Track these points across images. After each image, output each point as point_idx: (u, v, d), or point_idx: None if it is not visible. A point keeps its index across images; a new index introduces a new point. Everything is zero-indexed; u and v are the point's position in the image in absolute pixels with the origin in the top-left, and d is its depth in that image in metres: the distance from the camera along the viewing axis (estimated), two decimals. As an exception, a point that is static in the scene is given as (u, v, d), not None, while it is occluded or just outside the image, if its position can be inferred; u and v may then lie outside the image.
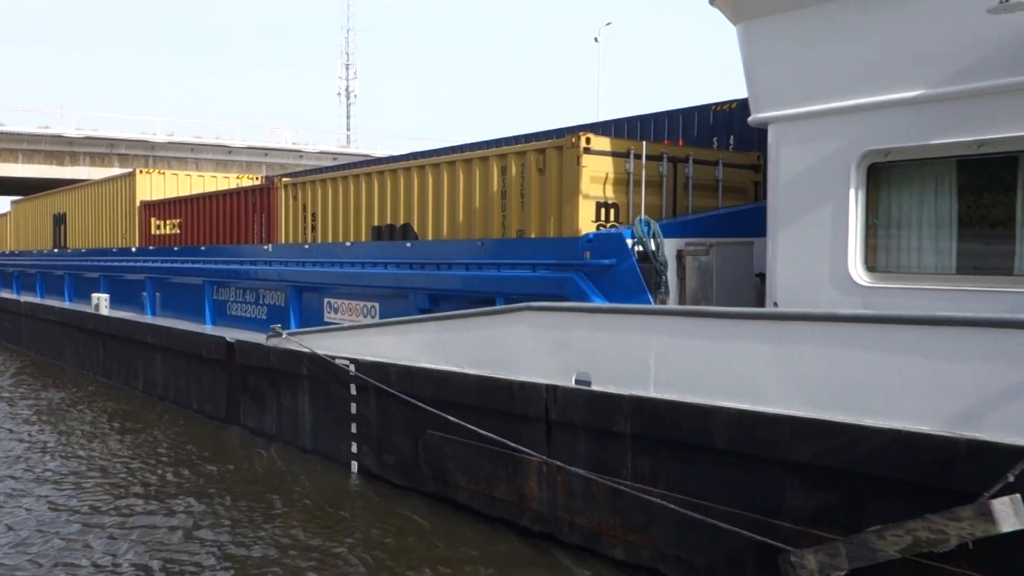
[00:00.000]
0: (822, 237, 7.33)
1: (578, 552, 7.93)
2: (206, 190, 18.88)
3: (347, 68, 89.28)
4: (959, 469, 5.30)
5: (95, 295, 19.29)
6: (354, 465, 10.93)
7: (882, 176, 7.14)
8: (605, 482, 7.59)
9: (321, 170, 18.18)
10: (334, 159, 51.24)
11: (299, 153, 53.96)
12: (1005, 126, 6.32)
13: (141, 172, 19.72)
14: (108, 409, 15.43)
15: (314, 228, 13.52)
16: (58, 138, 47.09)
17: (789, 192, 7.59)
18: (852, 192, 7.17)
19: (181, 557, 8.15)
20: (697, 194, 10.08)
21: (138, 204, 19.48)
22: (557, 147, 9.26)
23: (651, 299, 8.45)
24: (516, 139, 13.47)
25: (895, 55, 6.83)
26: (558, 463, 8.03)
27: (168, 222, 18.20)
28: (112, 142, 48.81)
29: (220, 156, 51.78)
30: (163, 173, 20.10)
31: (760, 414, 6.43)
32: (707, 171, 10.15)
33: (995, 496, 5.04)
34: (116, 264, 19.63)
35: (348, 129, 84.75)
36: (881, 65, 6.93)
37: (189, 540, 8.60)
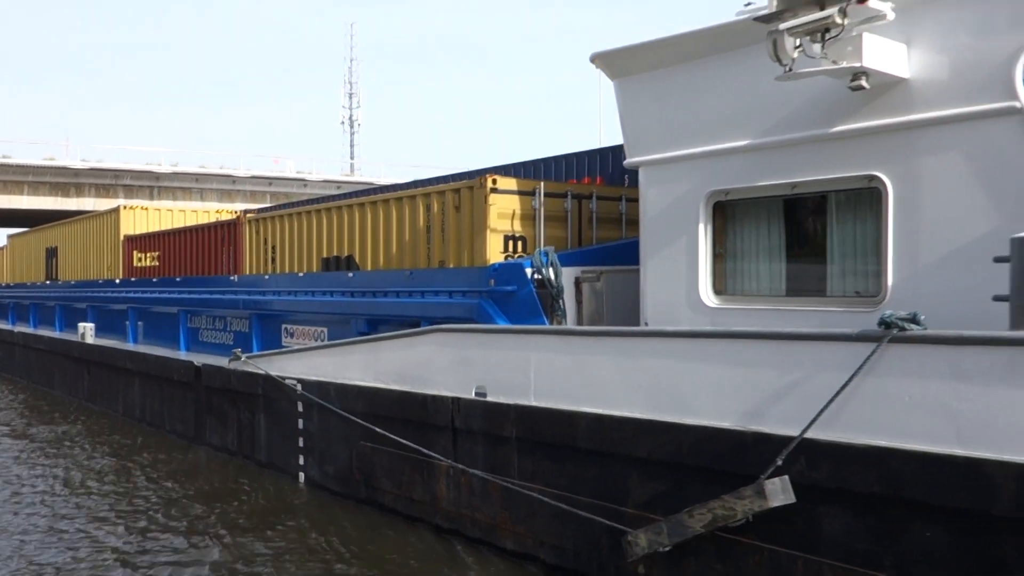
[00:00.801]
0: (679, 265, 8.49)
1: (478, 544, 9.02)
2: (186, 224, 20.16)
3: (350, 97, 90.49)
4: (747, 457, 6.41)
5: (81, 324, 20.51)
6: (301, 476, 12.03)
7: (725, 213, 8.30)
8: (497, 481, 8.69)
9: (282, 206, 19.44)
10: (338, 187, 51.97)
11: (303, 182, 54.61)
12: (812, 170, 7.49)
13: (125, 208, 20.99)
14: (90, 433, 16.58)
15: (274, 260, 14.71)
16: (63, 170, 47.96)
17: (654, 227, 8.77)
18: (701, 227, 8.33)
19: (138, 553, 9.26)
20: (603, 226, 11.24)
21: (122, 238, 20.73)
22: (469, 187, 10.46)
23: (546, 321, 9.59)
24: (445, 179, 14.69)
25: (728, 110, 8.02)
26: (462, 466, 9.14)
27: (148, 255, 19.44)
28: (117, 173, 49.62)
29: (225, 186, 52.53)
30: (146, 209, 21.37)
31: (610, 417, 7.55)
32: (612, 206, 11.32)
33: (768, 477, 6.15)
34: (101, 295, 20.85)
35: (352, 157, 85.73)
36: (719, 118, 8.12)
37: (146, 539, 9.71)
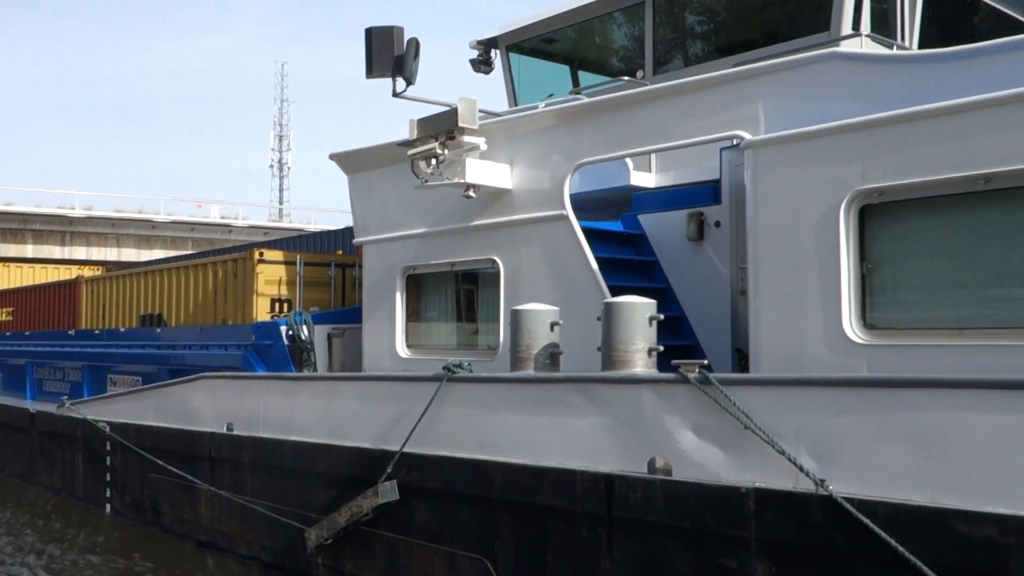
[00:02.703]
0: (385, 324, 10.76)
1: (224, 553, 11.00)
2: (48, 280, 21.79)
3: (280, 140, 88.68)
4: (376, 468, 8.62)
5: (-58, 376, 21.85)
6: (108, 506, 13.80)
7: (415, 283, 10.65)
8: (237, 500, 10.72)
9: (112, 272, 21.21)
10: (265, 234, 50.63)
11: (228, 228, 53.35)
12: (460, 254, 9.90)
13: (-14, 267, 22.67)
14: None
15: (104, 317, 16.55)
16: (-34, 214, 46.16)
17: (370, 293, 11.06)
18: (398, 294, 10.64)
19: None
20: (365, 291, 13.52)
21: (-18, 295, 22.24)
22: (243, 259, 12.63)
23: (294, 370, 11.73)
24: (229, 250, 16.87)
25: (412, 205, 10.41)
26: (215, 489, 11.14)
27: (4, 310, 20.99)
28: (26, 217, 47.93)
29: (143, 231, 50.83)
30: (7, 265, 23.06)
31: (304, 443, 9.71)
32: (374, 274, 13.60)
33: (382, 481, 8.37)
34: (-38, 348, 22.25)
35: (281, 203, 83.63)
36: (408, 211, 10.50)
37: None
